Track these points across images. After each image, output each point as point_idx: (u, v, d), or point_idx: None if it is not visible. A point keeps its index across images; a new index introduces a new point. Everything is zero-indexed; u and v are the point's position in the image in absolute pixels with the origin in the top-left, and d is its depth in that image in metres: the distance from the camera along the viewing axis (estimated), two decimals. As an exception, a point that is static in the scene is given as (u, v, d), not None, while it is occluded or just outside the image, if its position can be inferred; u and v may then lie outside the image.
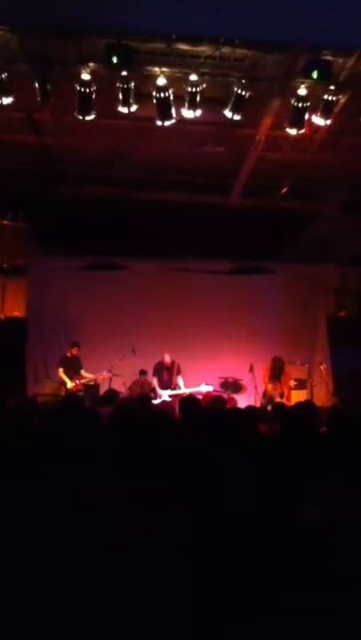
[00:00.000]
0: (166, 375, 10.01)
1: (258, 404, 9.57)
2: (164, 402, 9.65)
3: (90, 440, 2.44)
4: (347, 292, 12.20)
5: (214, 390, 10.18)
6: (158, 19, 5.90)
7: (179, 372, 10.00)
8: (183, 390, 9.77)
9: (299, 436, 3.22)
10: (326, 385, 10.83)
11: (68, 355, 9.98)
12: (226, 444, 3.00)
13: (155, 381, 10.05)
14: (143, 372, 10.37)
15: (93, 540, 1.79)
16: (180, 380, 9.95)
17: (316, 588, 1.74)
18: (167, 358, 10.00)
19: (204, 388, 9.62)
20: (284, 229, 10.63)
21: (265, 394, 9.77)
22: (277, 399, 9.47)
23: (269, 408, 9.20)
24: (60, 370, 9.84)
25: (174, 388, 9.90)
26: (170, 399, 9.73)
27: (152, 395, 9.80)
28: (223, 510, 1.97)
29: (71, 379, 9.70)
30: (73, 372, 9.80)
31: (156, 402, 9.54)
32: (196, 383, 9.79)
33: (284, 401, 9.42)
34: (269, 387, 9.71)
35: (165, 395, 9.84)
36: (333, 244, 11.29)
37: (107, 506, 1.89)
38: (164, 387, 9.97)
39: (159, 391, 9.89)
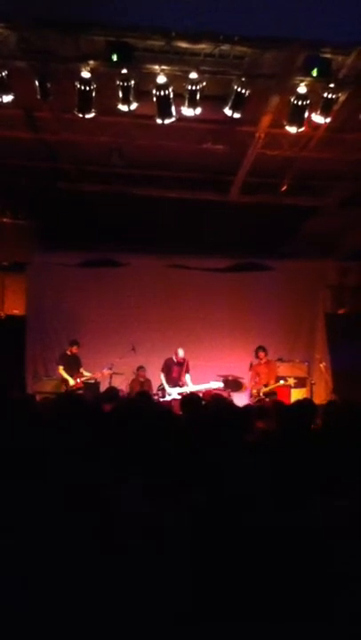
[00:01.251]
0: (176, 372, 9.82)
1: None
2: (167, 401, 9.57)
3: (92, 437, 2.45)
4: (345, 288, 12.18)
5: (215, 388, 10.16)
6: (157, 15, 5.90)
7: (187, 370, 9.88)
8: (192, 388, 9.59)
9: (296, 433, 3.24)
10: (326, 382, 10.84)
11: (68, 352, 9.98)
12: (226, 441, 3.01)
13: (162, 378, 9.93)
14: (141, 368, 10.32)
15: (97, 538, 1.80)
16: (187, 378, 9.81)
17: (320, 590, 1.75)
18: (181, 353, 9.79)
19: (215, 385, 9.60)
20: (283, 226, 10.63)
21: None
22: (262, 389, 9.55)
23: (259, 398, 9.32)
24: (61, 367, 9.84)
25: (182, 386, 9.77)
26: (179, 397, 9.60)
27: (159, 393, 9.72)
28: (225, 508, 1.98)
29: (72, 376, 9.71)
30: (73, 370, 9.81)
31: (165, 399, 9.46)
32: (197, 381, 9.78)
33: (268, 390, 9.49)
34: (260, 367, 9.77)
35: (174, 392, 9.69)
36: (332, 240, 11.29)
37: (111, 504, 1.90)
38: (173, 384, 9.78)
39: (168, 389, 9.73)
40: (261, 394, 9.50)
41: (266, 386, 9.63)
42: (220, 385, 9.70)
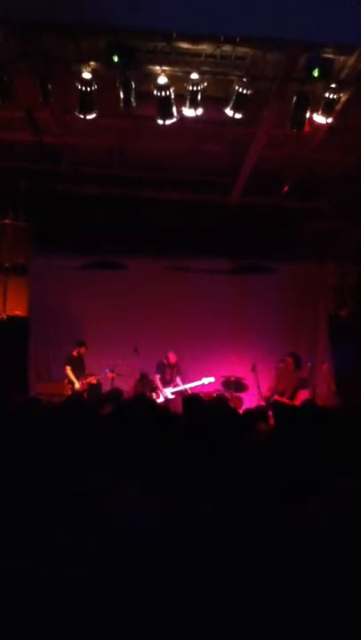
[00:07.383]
0: (169, 374, 10.13)
1: (260, 403, 9.55)
2: (165, 400, 9.73)
3: (92, 438, 2.44)
4: (347, 290, 12.12)
5: (216, 390, 10.19)
6: (159, 16, 5.89)
7: (178, 373, 10.15)
8: (185, 386, 9.85)
9: (297, 434, 3.21)
10: (328, 384, 10.80)
11: (75, 353, 10.00)
12: (228, 442, 2.99)
13: (158, 380, 10.09)
14: (145, 377, 10.40)
15: (98, 543, 1.79)
16: (178, 380, 10.14)
17: (316, 588, 1.73)
18: (172, 356, 10.12)
19: (206, 380, 9.73)
20: (284, 228, 10.61)
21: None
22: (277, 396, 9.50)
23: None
24: (68, 368, 9.86)
25: (175, 386, 10.02)
26: (173, 396, 9.81)
27: (154, 394, 9.84)
28: (225, 508, 1.97)
29: (77, 378, 9.74)
30: (78, 372, 9.83)
31: (159, 400, 9.61)
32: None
33: (285, 400, 9.42)
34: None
35: (168, 392, 9.90)
36: (333, 241, 11.26)
37: (111, 506, 1.89)
38: (166, 385, 10.09)
39: (162, 390, 9.94)
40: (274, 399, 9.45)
41: (282, 394, 9.58)
42: (212, 380, 9.76)
